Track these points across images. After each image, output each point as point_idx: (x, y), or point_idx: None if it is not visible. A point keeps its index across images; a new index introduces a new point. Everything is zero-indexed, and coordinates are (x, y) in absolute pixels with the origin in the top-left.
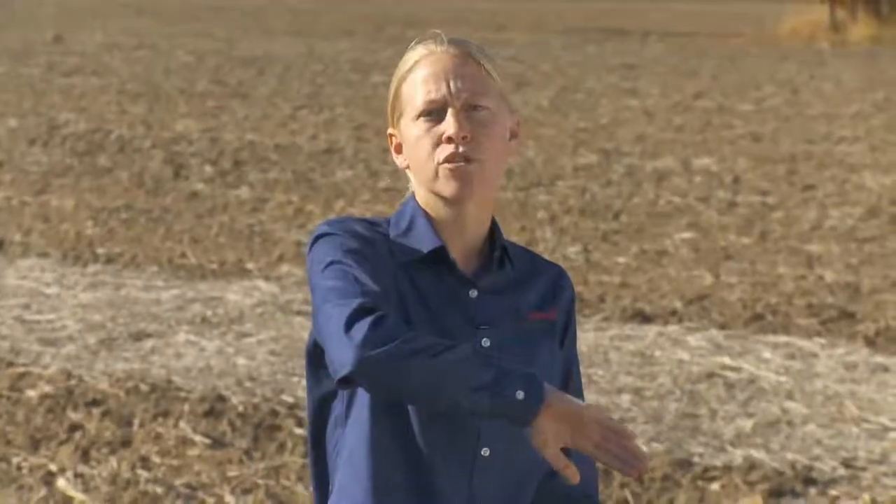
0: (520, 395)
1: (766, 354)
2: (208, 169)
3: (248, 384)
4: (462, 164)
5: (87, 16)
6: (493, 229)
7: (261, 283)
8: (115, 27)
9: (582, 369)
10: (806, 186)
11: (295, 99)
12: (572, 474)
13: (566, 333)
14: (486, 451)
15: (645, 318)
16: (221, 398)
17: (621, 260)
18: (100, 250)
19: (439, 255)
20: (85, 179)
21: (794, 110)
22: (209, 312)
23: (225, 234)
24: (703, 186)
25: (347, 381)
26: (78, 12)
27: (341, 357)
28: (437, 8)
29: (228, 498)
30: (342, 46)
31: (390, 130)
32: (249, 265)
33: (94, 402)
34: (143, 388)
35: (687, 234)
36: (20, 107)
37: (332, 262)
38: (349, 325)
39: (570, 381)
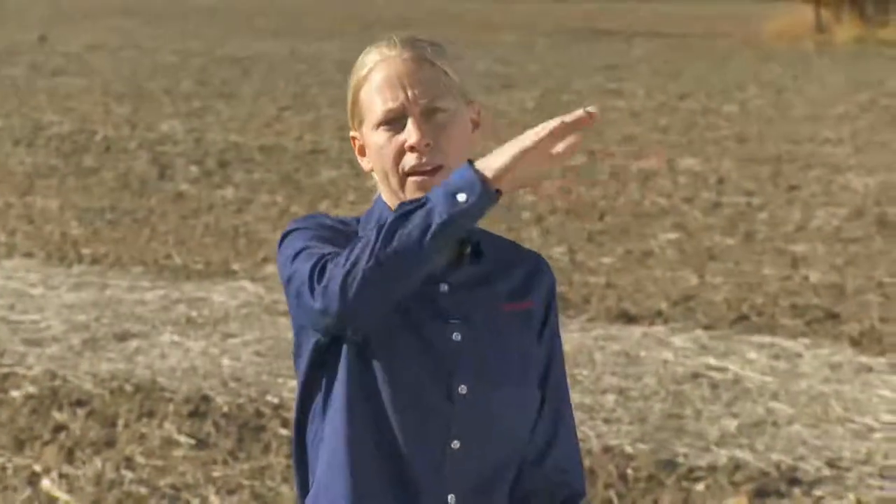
0: (461, 197)
1: (751, 355)
2: (193, 169)
3: (232, 385)
4: (427, 177)
5: (71, 16)
6: None
7: (246, 284)
8: (100, 27)
9: (567, 369)
10: (791, 187)
11: (280, 99)
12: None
13: (546, 322)
14: (455, 444)
15: (630, 319)
16: (206, 399)
17: (606, 260)
18: (84, 251)
19: None
20: (70, 180)
21: (778, 111)
22: (194, 313)
23: (210, 234)
24: (688, 187)
25: (340, 322)
26: (62, 13)
27: (325, 303)
28: (423, 8)
29: (213, 499)
30: (327, 47)
31: (352, 133)
32: (234, 266)
33: (79, 403)
34: (128, 388)
35: (672, 235)
36: (4, 107)
37: (301, 250)
38: (311, 287)
39: (551, 370)
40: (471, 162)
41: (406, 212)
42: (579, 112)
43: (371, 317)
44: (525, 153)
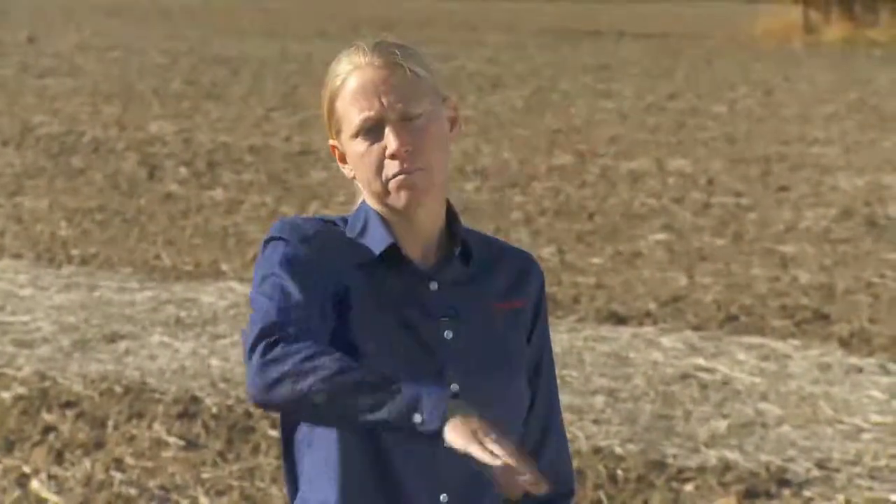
0: (417, 419)
1: (741, 356)
2: (182, 170)
3: (222, 385)
4: (409, 176)
5: (60, 17)
6: (451, 220)
7: (235, 285)
8: (89, 28)
9: (556, 371)
10: (780, 188)
11: (269, 100)
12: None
13: (536, 320)
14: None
15: (619, 320)
16: (195, 400)
17: (596, 261)
18: (74, 252)
19: (393, 254)
20: (58, 181)
21: (767, 111)
22: (183, 314)
23: (199, 235)
24: (677, 188)
25: (258, 404)
26: (51, 13)
27: (250, 380)
28: (410, 9)
29: (202, 500)
30: (316, 47)
31: (332, 142)
32: (224, 267)
33: (68, 404)
34: (117, 389)
35: (661, 236)
36: None
37: (270, 275)
38: (251, 350)
39: (541, 369)
40: (456, 395)
41: (377, 383)
42: (530, 480)
43: (276, 412)
44: (476, 455)
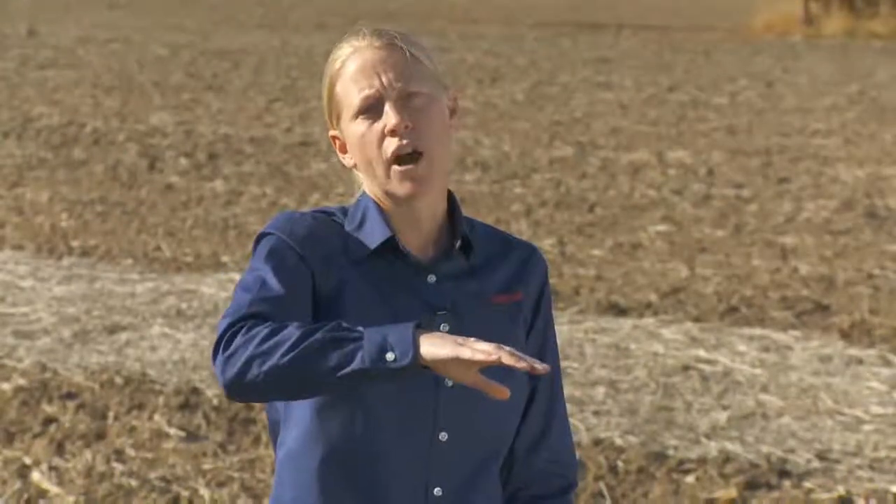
0: (390, 356)
1: (741, 347)
2: (183, 162)
3: None
4: (412, 166)
5: (60, 9)
6: (453, 212)
7: (235, 276)
8: (89, 20)
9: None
10: (780, 179)
11: (269, 92)
12: (498, 391)
13: (537, 311)
14: (443, 436)
15: (620, 311)
16: (196, 391)
17: (596, 253)
18: (74, 243)
19: (391, 246)
20: (59, 172)
21: (768, 103)
22: (184, 305)
23: (200, 226)
24: (677, 179)
25: (228, 395)
26: (51, 6)
27: (221, 376)
28: (409, 2)
29: (203, 491)
30: (315, 40)
31: (332, 132)
32: (224, 258)
33: (69, 395)
34: (118, 380)
35: (662, 227)
36: None
37: (254, 269)
38: (218, 343)
39: (544, 360)
40: (418, 325)
41: (339, 337)
42: (525, 365)
43: (259, 401)
44: (461, 361)
